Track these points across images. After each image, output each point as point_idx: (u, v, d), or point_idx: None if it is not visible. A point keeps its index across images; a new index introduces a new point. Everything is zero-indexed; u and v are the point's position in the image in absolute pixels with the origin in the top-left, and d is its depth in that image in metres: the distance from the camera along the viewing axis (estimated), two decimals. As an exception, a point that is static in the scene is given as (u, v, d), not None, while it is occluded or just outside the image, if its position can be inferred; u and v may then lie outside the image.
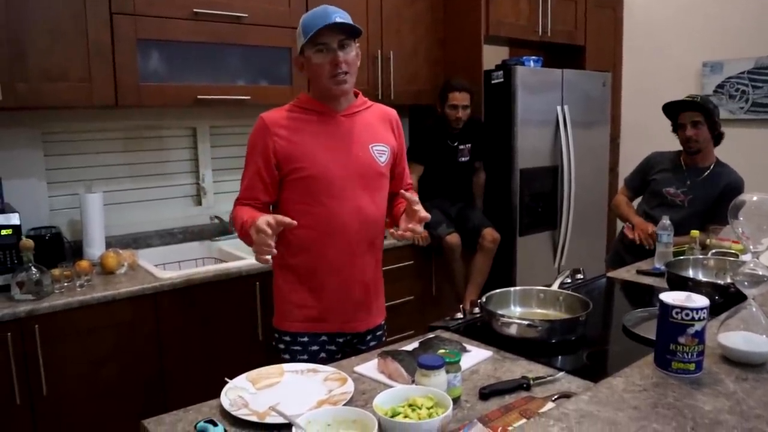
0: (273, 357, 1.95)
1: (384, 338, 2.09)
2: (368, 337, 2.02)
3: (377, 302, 2.05)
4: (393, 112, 2.06)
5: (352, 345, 2.01)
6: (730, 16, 4.16)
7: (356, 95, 1.96)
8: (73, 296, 2.28)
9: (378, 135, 1.95)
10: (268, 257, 1.67)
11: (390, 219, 2.08)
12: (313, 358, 1.90)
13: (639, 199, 3.12)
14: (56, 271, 2.35)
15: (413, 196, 1.85)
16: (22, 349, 2.17)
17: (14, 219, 2.34)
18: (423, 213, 1.82)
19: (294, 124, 1.87)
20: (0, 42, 2.27)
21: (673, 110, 2.89)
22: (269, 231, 1.64)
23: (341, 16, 1.78)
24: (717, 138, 2.86)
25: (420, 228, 1.84)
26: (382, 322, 2.08)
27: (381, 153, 1.93)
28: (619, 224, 3.19)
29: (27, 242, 2.27)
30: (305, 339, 1.93)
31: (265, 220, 1.65)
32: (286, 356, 1.93)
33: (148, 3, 2.59)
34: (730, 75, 4.17)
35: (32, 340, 2.18)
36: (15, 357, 2.15)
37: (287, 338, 1.95)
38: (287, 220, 1.67)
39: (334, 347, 1.98)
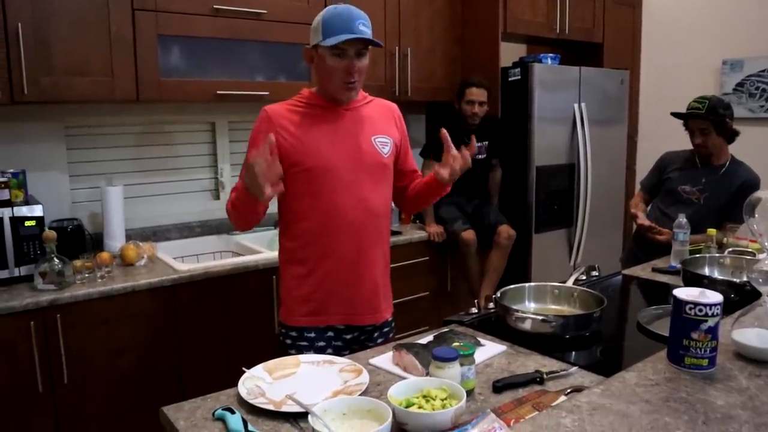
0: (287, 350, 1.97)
1: (391, 335, 2.07)
2: (375, 334, 2.01)
3: (385, 297, 2.03)
4: (394, 106, 2.05)
5: (359, 342, 2.00)
6: (750, 14, 4.12)
7: None
8: (94, 287, 2.32)
9: (380, 127, 1.95)
10: (281, 186, 1.67)
11: (407, 200, 2.11)
12: (320, 354, 1.89)
13: (655, 199, 3.10)
14: (77, 262, 2.39)
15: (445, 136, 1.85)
16: (44, 337, 2.22)
17: (37, 211, 2.39)
18: (455, 151, 1.84)
19: (297, 117, 1.87)
20: (25, 37, 2.31)
21: (678, 117, 2.88)
22: (262, 155, 1.62)
23: (364, 23, 1.77)
24: (730, 137, 2.83)
25: (468, 159, 1.85)
26: (390, 318, 2.06)
27: (384, 144, 1.93)
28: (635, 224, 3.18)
29: (50, 233, 2.32)
30: (312, 334, 1.93)
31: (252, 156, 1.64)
32: (293, 351, 1.90)
33: (169, -1, 2.63)
34: (750, 73, 4.13)
35: (54, 329, 2.23)
36: (38, 345, 2.20)
37: (294, 333, 1.94)
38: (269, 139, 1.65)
39: (341, 343, 1.97)
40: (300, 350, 1.91)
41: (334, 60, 1.80)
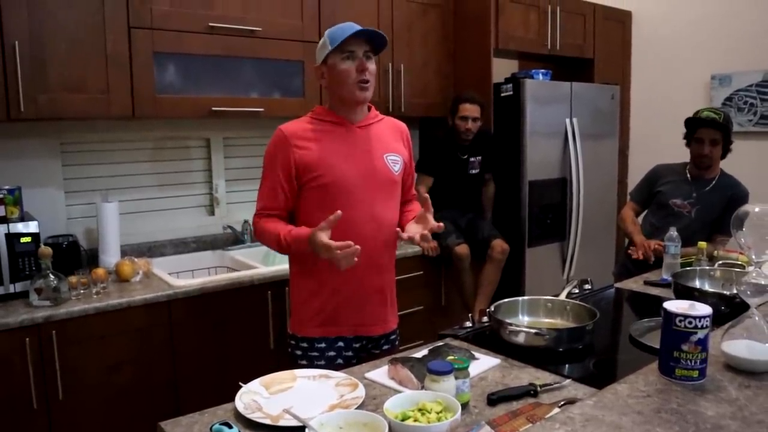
0: (284, 365, 1.96)
1: (397, 342, 2.13)
2: (382, 341, 2.07)
3: (392, 307, 2.10)
4: (403, 125, 2.12)
5: (367, 350, 2.05)
6: (738, 29, 4.18)
7: (369, 108, 2.03)
8: (90, 303, 2.33)
9: (391, 145, 2.02)
10: (354, 258, 1.76)
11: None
12: (330, 364, 1.93)
13: (645, 212, 3.13)
14: (73, 278, 2.40)
15: (429, 203, 1.90)
16: (39, 354, 2.22)
17: (33, 227, 2.40)
18: (434, 223, 1.88)
19: (312, 134, 1.92)
20: (22, 55, 2.33)
21: (693, 123, 2.90)
22: (333, 244, 1.72)
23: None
24: (726, 152, 2.88)
25: (430, 239, 1.89)
26: (396, 327, 2.12)
27: (395, 162, 2.00)
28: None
29: (45, 250, 2.32)
30: (322, 345, 1.97)
31: (320, 238, 1.74)
32: (304, 362, 1.96)
33: (164, 17, 2.66)
34: (738, 88, 4.18)
35: (49, 346, 2.23)
36: (32, 362, 2.20)
37: (304, 344, 1.98)
38: (331, 218, 1.74)
39: (351, 353, 2.02)
40: (311, 361, 1.96)
41: (345, 63, 1.87)
